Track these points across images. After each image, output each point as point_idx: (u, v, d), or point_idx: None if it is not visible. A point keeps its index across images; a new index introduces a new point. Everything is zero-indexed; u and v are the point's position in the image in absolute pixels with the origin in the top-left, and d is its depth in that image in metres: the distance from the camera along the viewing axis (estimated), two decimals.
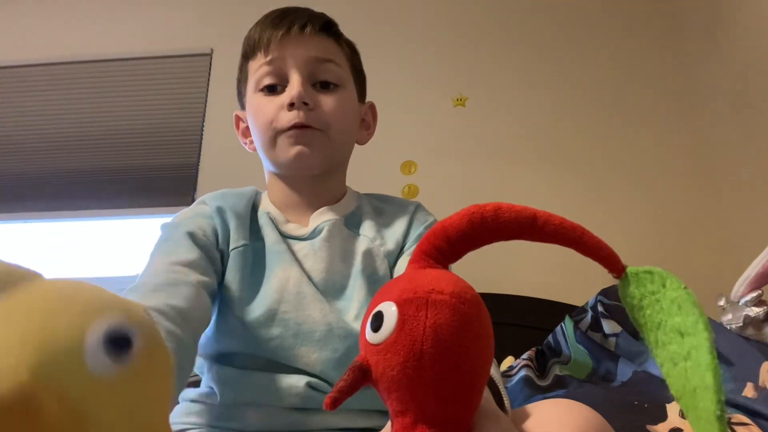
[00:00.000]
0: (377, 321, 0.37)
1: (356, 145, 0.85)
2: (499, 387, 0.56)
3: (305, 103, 0.73)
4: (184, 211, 0.77)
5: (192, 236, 0.70)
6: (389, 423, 0.40)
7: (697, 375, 0.33)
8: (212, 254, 0.71)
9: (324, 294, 0.72)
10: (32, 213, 2.21)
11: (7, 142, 2.30)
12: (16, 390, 0.20)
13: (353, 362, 0.38)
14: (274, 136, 0.75)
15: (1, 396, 0.19)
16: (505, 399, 0.55)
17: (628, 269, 0.41)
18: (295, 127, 0.74)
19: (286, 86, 0.76)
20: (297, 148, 0.74)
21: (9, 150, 2.29)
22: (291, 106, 0.73)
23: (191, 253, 0.68)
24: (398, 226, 0.79)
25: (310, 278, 0.72)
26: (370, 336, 0.37)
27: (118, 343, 0.24)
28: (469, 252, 0.42)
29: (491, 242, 0.41)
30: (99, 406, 0.23)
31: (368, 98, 0.89)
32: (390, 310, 0.36)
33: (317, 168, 0.78)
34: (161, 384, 0.28)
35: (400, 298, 0.37)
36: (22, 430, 0.19)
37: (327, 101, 0.76)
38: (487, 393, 0.43)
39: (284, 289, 0.71)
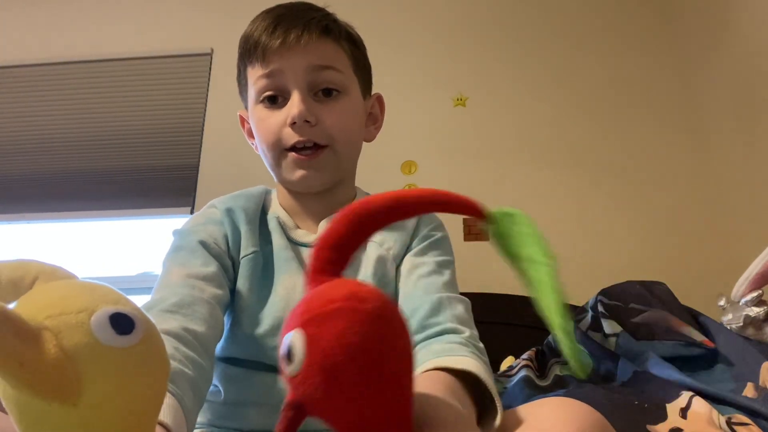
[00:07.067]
0: (289, 353, 0.36)
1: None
2: (492, 391, 0.55)
3: (307, 121, 0.72)
4: (195, 217, 0.77)
5: (205, 245, 0.70)
6: None
7: (547, 295, 0.40)
8: (225, 263, 0.71)
9: None
10: (32, 213, 2.21)
11: (7, 142, 2.30)
12: (30, 322, 0.28)
13: (284, 402, 0.37)
14: (279, 156, 0.75)
15: (19, 319, 0.27)
16: (497, 402, 0.54)
17: (493, 212, 0.46)
18: (298, 146, 0.73)
19: (286, 97, 0.74)
20: (301, 172, 0.74)
21: (9, 150, 2.29)
22: (293, 124, 0.72)
23: (207, 265, 0.68)
24: (405, 229, 0.79)
25: None
26: (288, 369, 0.36)
27: (122, 323, 0.30)
28: (355, 250, 0.44)
29: (371, 234, 0.43)
30: (96, 368, 0.29)
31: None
32: (296, 337, 0.36)
33: (324, 185, 0.77)
34: (154, 377, 0.32)
35: (301, 320, 0.36)
36: (26, 352, 0.26)
37: (330, 114, 0.74)
38: (437, 400, 0.43)
39: (290, 298, 0.71)
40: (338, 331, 0.35)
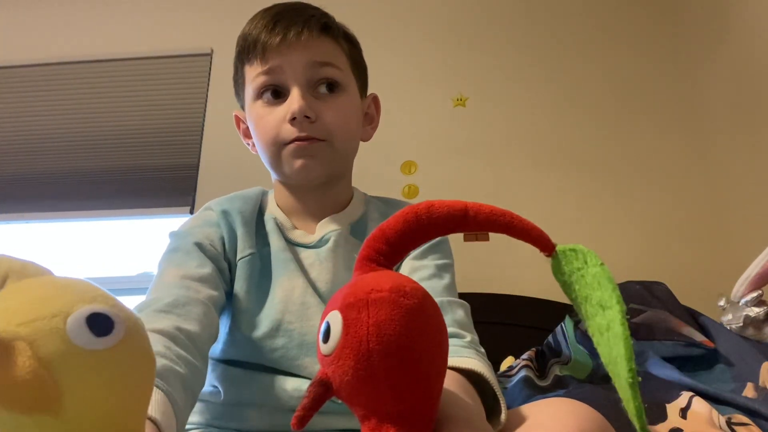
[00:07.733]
0: (326, 332, 0.37)
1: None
2: (496, 391, 0.56)
3: (307, 117, 0.72)
4: (192, 219, 0.77)
5: (200, 247, 0.70)
6: None
7: (615, 345, 0.35)
8: (221, 265, 0.71)
9: None
10: (32, 213, 2.21)
11: (7, 142, 2.29)
12: (2, 333, 0.26)
13: (314, 378, 0.38)
14: (278, 151, 0.75)
15: None
16: (501, 402, 0.55)
17: (558, 248, 0.42)
18: (298, 140, 0.73)
19: (285, 94, 0.74)
20: (300, 162, 0.74)
21: (9, 150, 2.29)
22: (293, 120, 0.72)
23: (203, 266, 0.68)
24: None
25: (315, 288, 0.72)
26: (323, 348, 0.37)
27: (100, 324, 0.29)
28: (410, 251, 0.43)
29: (429, 239, 0.42)
30: (76, 374, 0.27)
31: None
32: (335, 319, 0.37)
33: (322, 178, 0.77)
34: (140, 375, 0.31)
35: (343, 304, 0.37)
36: (1, 369, 0.25)
37: (329, 110, 0.74)
38: (455, 397, 0.43)
39: (289, 300, 0.71)
40: (377, 321, 0.35)
